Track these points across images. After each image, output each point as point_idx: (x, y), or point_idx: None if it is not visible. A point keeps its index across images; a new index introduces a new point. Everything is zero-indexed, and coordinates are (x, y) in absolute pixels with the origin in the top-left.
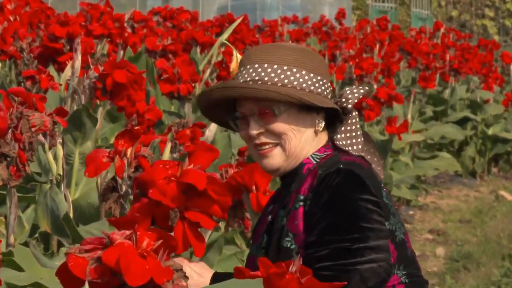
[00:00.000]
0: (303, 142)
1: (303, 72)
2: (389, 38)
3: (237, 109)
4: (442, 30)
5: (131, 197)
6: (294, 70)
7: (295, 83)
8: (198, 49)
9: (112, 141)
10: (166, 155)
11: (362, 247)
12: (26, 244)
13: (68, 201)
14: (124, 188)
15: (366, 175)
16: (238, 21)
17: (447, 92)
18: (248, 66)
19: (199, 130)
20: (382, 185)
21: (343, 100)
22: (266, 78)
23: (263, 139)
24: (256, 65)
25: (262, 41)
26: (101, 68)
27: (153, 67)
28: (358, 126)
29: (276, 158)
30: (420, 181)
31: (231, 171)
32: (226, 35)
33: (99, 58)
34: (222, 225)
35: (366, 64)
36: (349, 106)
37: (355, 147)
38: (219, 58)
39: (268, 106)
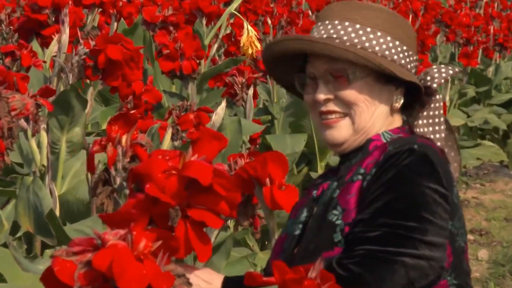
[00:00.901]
0: (375, 117)
1: (388, 38)
2: (424, 7)
3: (306, 69)
4: None
5: (127, 191)
6: (378, 34)
7: (377, 48)
8: (204, 21)
9: (104, 126)
10: (167, 143)
11: (417, 238)
12: (5, 245)
13: (53, 196)
14: (118, 181)
15: (440, 164)
16: None
17: (491, 70)
18: (326, 22)
19: (205, 114)
20: (455, 183)
21: (428, 78)
22: (345, 38)
23: (331, 107)
24: (336, 22)
25: (278, 12)
26: (92, 43)
27: (151, 41)
28: (440, 111)
29: (342, 131)
30: (459, 173)
31: (241, 162)
32: (235, 4)
33: (90, 31)
34: (231, 224)
35: None
36: (434, 85)
37: (437, 136)
38: (228, 31)
39: (342, 69)
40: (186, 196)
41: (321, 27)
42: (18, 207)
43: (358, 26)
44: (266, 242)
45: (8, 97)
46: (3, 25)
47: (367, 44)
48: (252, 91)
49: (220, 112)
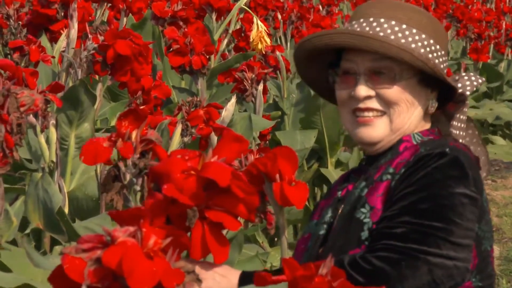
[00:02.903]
0: (412, 118)
1: (431, 41)
2: (435, 2)
3: (341, 64)
4: None
5: (136, 187)
6: (423, 36)
7: (422, 50)
8: (214, 16)
9: (113, 122)
10: (176, 139)
11: (441, 237)
12: (14, 242)
13: (63, 192)
14: (128, 177)
15: (471, 167)
16: None
17: (502, 66)
18: (371, 19)
19: (215, 110)
20: (483, 187)
21: (459, 85)
22: (392, 37)
23: (370, 104)
24: (382, 20)
25: (288, 7)
26: (100, 38)
27: (161, 36)
28: (466, 117)
29: (379, 129)
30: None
31: (251, 158)
32: None
33: (99, 26)
34: (241, 220)
35: None
36: (467, 93)
37: (467, 139)
38: (238, 26)
39: (389, 67)
40: (204, 197)
41: (364, 24)
42: (27, 204)
43: (404, 26)
44: (276, 239)
45: (17, 93)
46: (11, 20)
47: (413, 46)
48: (262, 87)
49: (230, 108)
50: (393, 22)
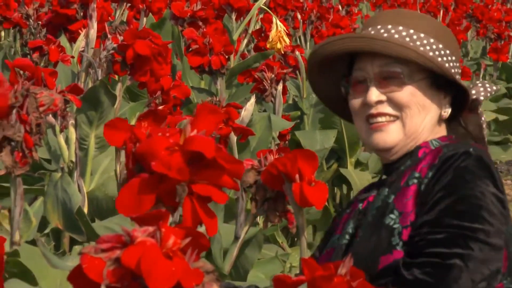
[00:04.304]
0: (425, 122)
1: (440, 46)
2: (455, 2)
3: (353, 75)
4: None
5: None
6: (431, 40)
7: (430, 53)
8: (233, 16)
9: (133, 122)
10: None
11: (481, 240)
12: (33, 242)
13: (82, 192)
14: None
15: (494, 168)
16: None
17: None
18: (378, 26)
19: (234, 110)
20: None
21: (474, 92)
22: (400, 41)
23: (381, 109)
24: (389, 26)
25: (308, 7)
26: (120, 38)
27: (180, 36)
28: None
29: (392, 134)
30: None
31: (271, 158)
32: None
33: (118, 26)
34: (260, 220)
35: None
36: (481, 98)
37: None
38: (257, 26)
39: (398, 70)
40: (190, 171)
41: (372, 32)
42: (46, 204)
43: (412, 31)
44: (296, 239)
45: (36, 93)
46: (31, 20)
47: (421, 49)
48: (282, 87)
49: (249, 107)
50: (401, 28)
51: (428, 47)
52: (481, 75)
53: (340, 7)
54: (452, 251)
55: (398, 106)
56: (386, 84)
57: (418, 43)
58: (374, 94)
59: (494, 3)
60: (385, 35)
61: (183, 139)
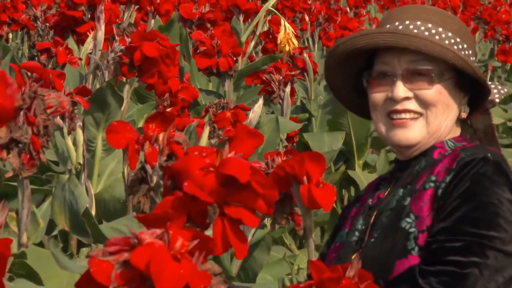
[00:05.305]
0: (447, 121)
1: (465, 46)
2: (463, 4)
3: (374, 67)
4: None
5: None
6: (458, 39)
7: (462, 53)
8: (241, 18)
9: (140, 124)
10: (204, 141)
11: (497, 248)
12: (41, 244)
13: (89, 194)
14: (155, 179)
15: (511, 173)
16: None
17: None
18: (407, 22)
19: (242, 112)
20: None
21: None
22: (431, 39)
23: (407, 105)
24: (419, 23)
25: (316, 9)
26: (128, 40)
27: (188, 38)
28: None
29: (415, 131)
30: None
31: (278, 160)
32: (272, 1)
33: (126, 28)
34: (268, 222)
35: None
36: (497, 100)
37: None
38: (265, 28)
39: (427, 68)
40: (223, 193)
41: (400, 26)
42: (54, 206)
43: (440, 29)
44: (304, 241)
45: (44, 95)
46: (39, 22)
47: (455, 48)
48: (290, 89)
49: (257, 110)
50: (430, 25)
51: (455, 47)
52: (488, 77)
53: (348, 9)
54: (469, 259)
55: (424, 103)
56: (415, 81)
57: (447, 42)
58: (401, 90)
59: (502, 5)
60: (416, 31)
61: (219, 160)
